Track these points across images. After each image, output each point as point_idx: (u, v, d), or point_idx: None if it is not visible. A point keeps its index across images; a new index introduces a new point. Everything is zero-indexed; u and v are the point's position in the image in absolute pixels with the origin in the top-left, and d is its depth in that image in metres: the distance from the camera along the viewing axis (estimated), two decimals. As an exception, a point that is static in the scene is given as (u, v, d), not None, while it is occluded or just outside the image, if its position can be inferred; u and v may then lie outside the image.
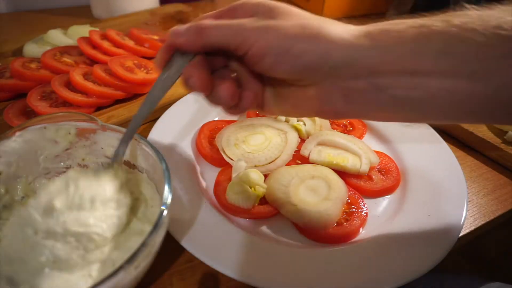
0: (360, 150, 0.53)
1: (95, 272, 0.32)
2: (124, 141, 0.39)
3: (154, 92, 0.36)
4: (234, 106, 0.38)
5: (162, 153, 0.38)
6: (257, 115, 0.62)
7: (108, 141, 0.43)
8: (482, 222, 0.49)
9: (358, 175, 0.51)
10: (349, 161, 0.51)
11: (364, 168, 0.51)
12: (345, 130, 0.61)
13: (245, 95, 0.37)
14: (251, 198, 0.45)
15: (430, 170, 0.52)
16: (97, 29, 0.77)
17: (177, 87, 0.67)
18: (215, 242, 0.41)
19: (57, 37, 0.75)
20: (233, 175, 0.48)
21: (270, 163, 0.52)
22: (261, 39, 0.32)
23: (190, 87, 0.36)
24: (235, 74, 0.38)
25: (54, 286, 0.32)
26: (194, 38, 0.34)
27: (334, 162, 0.51)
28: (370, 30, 0.32)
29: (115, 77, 0.61)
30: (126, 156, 0.43)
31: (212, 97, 0.37)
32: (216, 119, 0.60)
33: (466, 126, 0.62)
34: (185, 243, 0.40)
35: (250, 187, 0.46)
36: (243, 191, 0.45)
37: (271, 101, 0.39)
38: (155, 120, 0.58)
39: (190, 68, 0.35)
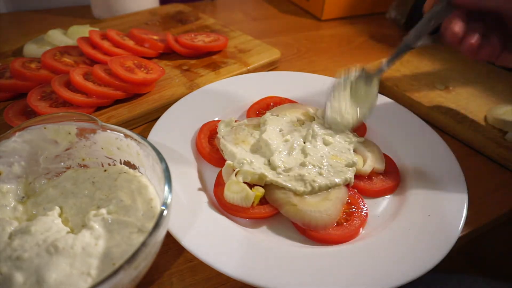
0: (368, 153, 0.53)
1: (94, 270, 0.32)
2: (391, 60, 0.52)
3: (417, 27, 0.48)
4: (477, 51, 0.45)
5: (162, 153, 0.38)
6: (257, 115, 0.62)
7: (108, 141, 0.43)
8: (482, 222, 0.49)
9: (358, 175, 0.51)
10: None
11: (366, 169, 0.51)
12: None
13: (491, 46, 0.45)
14: (249, 197, 0.45)
15: (430, 170, 0.52)
16: (97, 29, 0.77)
17: (177, 87, 0.67)
18: (215, 242, 0.41)
19: (57, 37, 0.75)
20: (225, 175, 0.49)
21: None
22: None
23: (446, 34, 0.45)
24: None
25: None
26: None
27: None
28: None
29: (115, 77, 0.61)
30: (126, 157, 0.43)
31: (461, 46, 0.45)
32: (216, 119, 0.60)
33: (466, 126, 0.62)
34: (185, 243, 0.40)
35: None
36: (241, 190, 0.45)
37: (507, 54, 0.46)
38: (155, 120, 0.58)
39: (452, 18, 0.44)
